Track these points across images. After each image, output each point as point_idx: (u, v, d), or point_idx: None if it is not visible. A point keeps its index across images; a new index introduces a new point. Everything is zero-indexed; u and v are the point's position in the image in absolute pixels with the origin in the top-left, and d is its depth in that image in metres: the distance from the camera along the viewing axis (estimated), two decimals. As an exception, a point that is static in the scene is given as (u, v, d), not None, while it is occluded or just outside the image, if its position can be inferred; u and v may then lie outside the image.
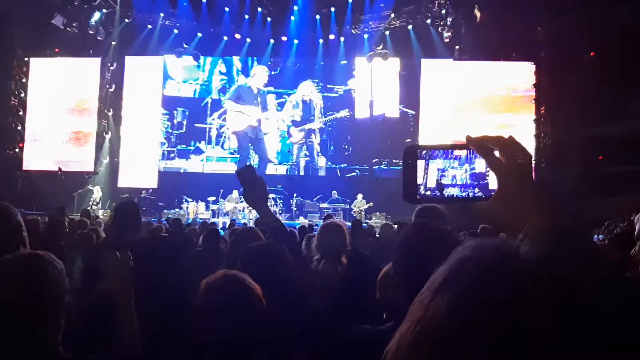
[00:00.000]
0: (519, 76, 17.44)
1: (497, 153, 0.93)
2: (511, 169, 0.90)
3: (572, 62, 15.83)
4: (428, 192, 0.97)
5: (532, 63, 17.25)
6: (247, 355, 1.79)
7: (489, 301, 0.57)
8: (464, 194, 0.96)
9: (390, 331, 1.63)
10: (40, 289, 1.71)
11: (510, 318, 0.56)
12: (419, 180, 0.97)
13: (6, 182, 17.03)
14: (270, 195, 17.14)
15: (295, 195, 17.18)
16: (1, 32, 18.21)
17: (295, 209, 17.15)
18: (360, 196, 16.69)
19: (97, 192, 17.96)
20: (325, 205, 16.97)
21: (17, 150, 20.47)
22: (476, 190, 0.96)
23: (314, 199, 17.11)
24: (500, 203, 0.91)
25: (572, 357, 0.55)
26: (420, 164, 0.97)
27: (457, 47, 18.03)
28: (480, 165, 0.96)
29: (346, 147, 19.20)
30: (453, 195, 0.96)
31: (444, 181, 0.97)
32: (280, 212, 17.11)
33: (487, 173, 0.96)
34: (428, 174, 0.97)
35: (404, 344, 0.62)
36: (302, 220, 15.22)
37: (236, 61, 20.15)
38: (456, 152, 0.97)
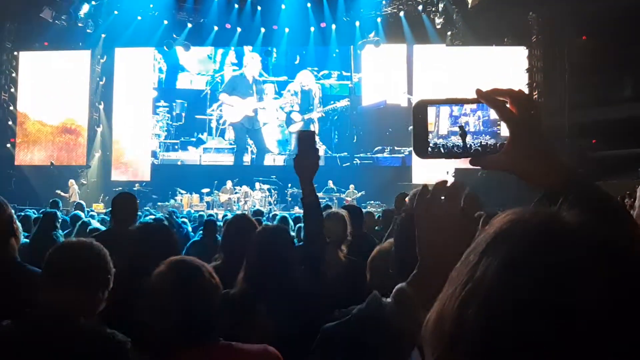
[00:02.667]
0: (512, 61, 17.44)
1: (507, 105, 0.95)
2: (524, 120, 0.93)
3: (564, 47, 15.86)
4: (439, 146, 0.98)
5: (525, 48, 17.26)
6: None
7: (540, 261, 0.59)
8: (476, 142, 0.98)
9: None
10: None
11: (561, 277, 0.57)
12: (429, 136, 0.98)
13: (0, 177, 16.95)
14: (265, 186, 17.23)
15: (290, 185, 17.17)
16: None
17: (290, 199, 17.16)
18: (352, 186, 16.85)
19: (73, 186, 17.71)
20: (320, 194, 16.99)
21: (8, 145, 20.34)
22: (488, 137, 0.97)
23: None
24: (513, 153, 0.94)
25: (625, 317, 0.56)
26: (431, 118, 0.98)
27: (449, 33, 18.02)
28: (492, 114, 0.98)
29: (349, 135, 19.27)
30: (465, 147, 0.97)
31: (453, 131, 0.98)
32: (275, 202, 17.13)
33: (498, 122, 0.97)
34: (439, 128, 0.98)
35: (451, 306, 0.63)
36: (297, 211, 15.23)
37: (247, 51, 20.08)
38: (467, 107, 0.99)
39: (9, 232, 2.51)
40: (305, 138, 2.48)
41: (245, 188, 17.02)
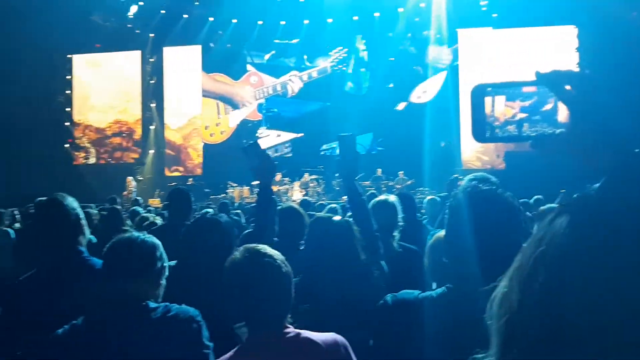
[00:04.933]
0: (561, 41, 16.91)
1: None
2: (584, 102, 0.91)
3: (615, 24, 15.24)
4: (497, 129, 0.98)
5: (574, 27, 16.69)
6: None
7: (606, 218, 0.64)
8: (534, 130, 0.97)
9: (440, 296, 1.70)
10: None
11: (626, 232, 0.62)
12: (488, 119, 0.98)
13: (59, 177, 17.61)
14: (312, 177, 17.28)
15: (337, 175, 17.14)
16: (42, 32, 18.70)
17: (338, 188, 17.12)
18: (401, 173, 16.61)
19: (130, 183, 18.28)
20: (367, 183, 16.91)
21: (66, 146, 21.18)
22: (545, 125, 0.97)
23: (356, 178, 16.98)
24: (575, 136, 0.92)
25: None
26: (488, 101, 0.98)
27: (494, 14, 17.61)
28: (550, 99, 0.97)
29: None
30: (524, 131, 0.97)
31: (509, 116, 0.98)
32: (322, 193, 17.16)
33: (557, 107, 0.96)
34: (496, 110, 0.98)
35: (528, 262, 0.67)
36: (345, 199, 15.20)
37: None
38: (525, 89, 0.99)
39: (78, 228, 2.66)
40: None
41: (299, 181, 17.18)
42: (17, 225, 7.74)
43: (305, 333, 1.91)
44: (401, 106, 18.93)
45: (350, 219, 2.90)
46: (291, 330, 1.91)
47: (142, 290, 1.98)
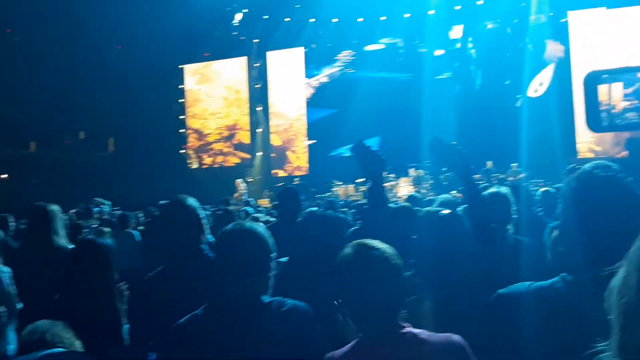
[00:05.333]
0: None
1: None
2: None
3: None
4: (614, 117, 0.92)
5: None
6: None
7: None
8: None
9: (554, 285, 1.63)
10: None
11: None
12: (602, 107, 0.92)
13: (176, 181, 18.68)
14: (420, 172, 17.02)
15: (444, 169, 16.78)
16: (155, 44, 19.93)
17: (446, 183, 16.76)
18: (514, 165, 15.96)
19: (240, 185, 18.94)
20: (477, 176, 16.41)
21: (182, 152, 22.48)
22: None
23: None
24: None
25: None
26: (603, 89, 0.92)
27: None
28: None
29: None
30: None
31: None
32: (430, 187, 16.86)
33: None
34: (612, 98, 0.92)
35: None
36: (453, 193, 14.85)
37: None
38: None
39: (199, 227, 2.82)
40: (361, 148, 2.62)
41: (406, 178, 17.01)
42: (141, 227, 8.27)
43: (420, 332, 1.88)
44: (520, 102, 18.07)
45: (460, 212, 2.84)
46: (407, 328, 1.88)
47: (253, 282, 2.01)
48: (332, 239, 2.91)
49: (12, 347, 3.89)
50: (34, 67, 20.46)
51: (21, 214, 9.07)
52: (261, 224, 2.16)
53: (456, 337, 1.87)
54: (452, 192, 15.46)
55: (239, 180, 18.81)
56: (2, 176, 19.16)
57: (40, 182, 19.18)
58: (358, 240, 1.98)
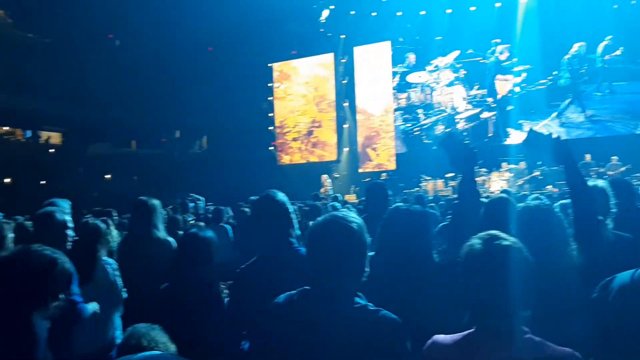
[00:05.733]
0: None
1: None
2: None
3: None
4: None
5: None
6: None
7: None
8: None
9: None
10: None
11: None
12: None
13: (265, 177, 19.15)
14: (512, 166, 16.43)
15: (539, 164, 16.12)
16: (244, 44, 20.52)
17: (542, 177, 16.10)
18: (614, 159, 15.03)
19: (326, 180, 19.11)
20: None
21: (270, 148, 23.02)
22: None
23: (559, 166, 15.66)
24: None
25: None
26: None
27: None
28: None
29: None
30: None
31: None
32: (524, 182, 16.24)
33: None
34: None
35: None
36: (549, 189, 14.25)
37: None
38: None
39: (288, 221, 2.89)
40: (452, 140, 2.54)
41: (497, 172, 16.47)
42: (232, 222, 8.53)
43: (543, 342, 1.78)
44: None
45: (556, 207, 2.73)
46: (528, 335, 1.80)
47: (344, 278, 1.96)
48: (418, 234, 2.87)
49: (118, 332, 4.15)
50: (133, 69, 21.66)
51: (123, 208, 9.65)
52: (354, 216, 2.05)
53: (578, 354, 1.76)
54: (547, 187, 14.91)
55: (324, 176, 19.00)
56: (107, 176, 20.41)
57: (140, 178, 20.29)
58: (486, 232, 1.91)
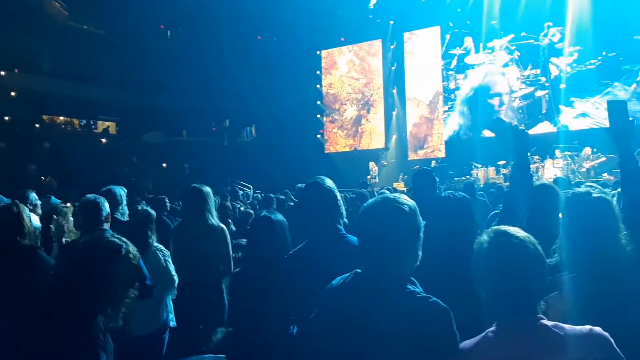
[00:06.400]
0: None
1: None
2: None
3: None
4: None
5: None
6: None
7: None
8: None
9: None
10: None
11: None
12: None
13: (313, 165, 19.25)
14: (566, 153, 15.95)
15: (594, 150, 15.59)
16: (293, 32, 20.57)
17: (597, 165, 15.55)
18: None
19: (373, 168, 19.03)
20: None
21: (318, 136, 23.08)
22: None
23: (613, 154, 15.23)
24: None
25: None
26: None
27: None
28: None
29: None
30: None
31: None
32: (578, 170, 15.74)
33: None
34: None
35: None
36: (605, 177, 13.75)
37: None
38: None
39: (336, 207, 2.92)
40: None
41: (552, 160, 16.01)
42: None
43: (558, 325, 1.78)
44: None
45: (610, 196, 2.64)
46: (543, 320, 1.80)
47: (396, 262, 1.94)
48: (462, 222, 2.84)
49: (172, 316, 4.29)
50: (184, 59, 22.06)
51: (175, 195, 9.89)
52: (407, 198, 2.01)
53: (598, 330, 1.75)
54: (604, 174, 14.40)
55: (372, 163, 18.95)
56: (163, 165, 20.92)
57: (191, 166, 20.71)
58: (497, 228, 1.90)
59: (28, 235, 3.57)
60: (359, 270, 2.02)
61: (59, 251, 3.95)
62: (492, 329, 1.84)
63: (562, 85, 17.46)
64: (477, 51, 19.35)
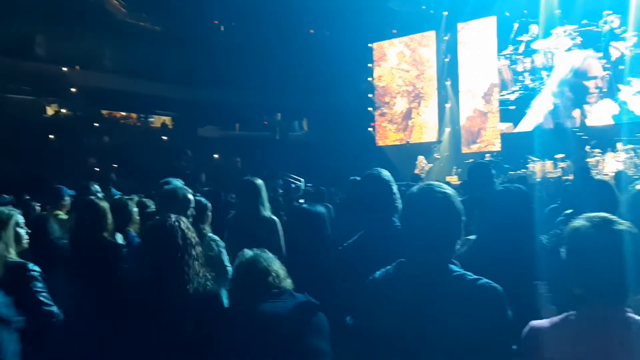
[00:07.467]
0: None
1: None
2: None
3: None
4: None
5: None
6: None
7: None
8: None
9: None
10: None
11: None
12: None
13: (364, 158, 19.19)
14: (628, 146, 15.31)
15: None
16: (345, 25, 20.53)
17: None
18: None
19: (422, 161, 18.72)
20: None
21: (370, 129, 22.99)
22: None
23: None
24: None
25: None
26: None
27: None
28: None
29: None
30: None
31: None
32: (636, 165, 15.05)
33: None
34: None
35: None
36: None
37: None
38: None
39: (390, 199, 2.91)
40: None
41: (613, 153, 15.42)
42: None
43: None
44: None
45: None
46: (629, 313, 1.76)
47: (440, 246, 1.98)
48: (520, 215, 2.77)
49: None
50: (237, 54, 22.37)
51: (229, 188, 10.07)
52: (449, 187, 2.06)
53: None
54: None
55: (421, 157, 18.71)
56: (215, 156, 21.30)
57: (243, 160, 21.01)
58: (597, 214, 1.87)
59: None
60: (403, 260, 2.05)
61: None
62: (573, 312, 1.82)
63: (622, 67, 17.47)
64: (544, 36, 18.92)
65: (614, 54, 17.64)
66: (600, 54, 17.82)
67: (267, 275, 2.44)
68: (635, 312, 1.78)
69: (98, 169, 16.08)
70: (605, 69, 17.75)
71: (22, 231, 3.31)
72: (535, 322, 1.88)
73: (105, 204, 3.82)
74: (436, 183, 2.08)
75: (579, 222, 1.85)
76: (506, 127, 19.58)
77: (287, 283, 2.49)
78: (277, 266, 2.50)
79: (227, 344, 2.33)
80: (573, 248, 1.83)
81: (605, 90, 17.72)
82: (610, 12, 17.43)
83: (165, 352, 2.28)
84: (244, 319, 2.35)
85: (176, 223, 2.45)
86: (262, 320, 2.32)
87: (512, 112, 19.45)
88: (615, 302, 1.76)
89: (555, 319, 1.84)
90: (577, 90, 18.38)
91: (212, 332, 2.33)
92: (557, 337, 1.80)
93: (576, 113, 17.90)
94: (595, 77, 18.18)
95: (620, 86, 17.36)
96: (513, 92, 19.58)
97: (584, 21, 17.95)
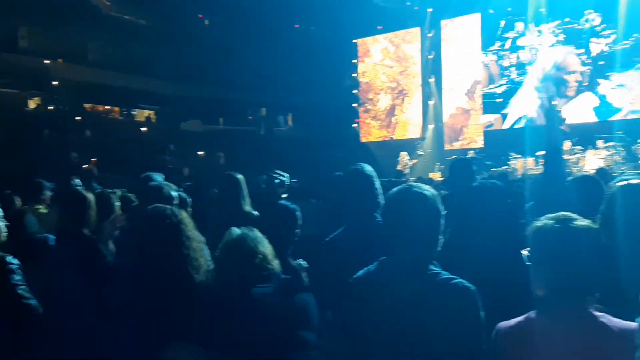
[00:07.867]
0: None
1: None
2: None
3: None
4: None
5: None
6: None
7: None
8: None
9: None
10: None
11: None
12: None
13: (348, 153, 19.19)
14: (609, 144, 15.51)
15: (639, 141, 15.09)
16: (330, 20, 20.52)
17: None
18: None
19: (405, 158, 18.78)
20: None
21: (354, 125, 23.02)
22: None
23: None
24: None
25: None
26: None
27: None
28: None
29: None
30: None
31: None
32: (622, 162, 15.26)
33: None
34: None
35: None
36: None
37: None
38: None
39: (372, 195, 2.92)
40: None
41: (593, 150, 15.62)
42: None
43: (607, 317, 1.77)
44: None
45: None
46: (593, 310, 1.79)
47: (419, 245, 2.00)
48: (497, 210, 2.79)
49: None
50: (221, 48, 22.25)
51: (211, 183, 10.02)
52: (429, 187, 2.10)
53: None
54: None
55: (403, 153, 18.77)
56: (199, 153, 21.19)
57: (227, 154, 20.91)
58: (559, 213, 1.88)
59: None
60: (384, 258, 2.07)
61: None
62: (534, 312, 1.84)
63: (601, 62, 18.00)
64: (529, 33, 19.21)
65: (594, 50, 18.08)
66: (582, 50, 18.21)
67: (254, 257, 2.41)
68: (604, 309, 1.81)
69: (80, 163, 15.92)
70: (585, 64, 18.14)
71: (1, 224, 3.29)
72: (502, 324, 1.90)
73: (90, 195, 3.78)
74: (415, 184, 2.11)
75: (540, 221, 1.87)
76: (488, 119, 19.68)
77: (275, 264, 2.47)
78: (264, 247, 2.47)
79: (216, 330, 2.32)
80: (534, 247, 1.86)
81: (585, 84, 18.18)
82: (592, 10, 17.82)
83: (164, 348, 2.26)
84: (232, 304, 2.34)
85: (175, 212, 2.43)
86: (250, 306, 2.32)
87: (496, 104, 19.58)
88: (576, 299, 1.78)
89: (520, 318, 1.87)
90: (558, 84, 18.70)
91: (211, 319, 2.32)
92: (523, 336, 1.82)
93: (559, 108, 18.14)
94: (574, 72, 18.51)
95: (599, 80, 17.87)
96: (500, 85, 19.76)
97: (567, 19, 18.31)
